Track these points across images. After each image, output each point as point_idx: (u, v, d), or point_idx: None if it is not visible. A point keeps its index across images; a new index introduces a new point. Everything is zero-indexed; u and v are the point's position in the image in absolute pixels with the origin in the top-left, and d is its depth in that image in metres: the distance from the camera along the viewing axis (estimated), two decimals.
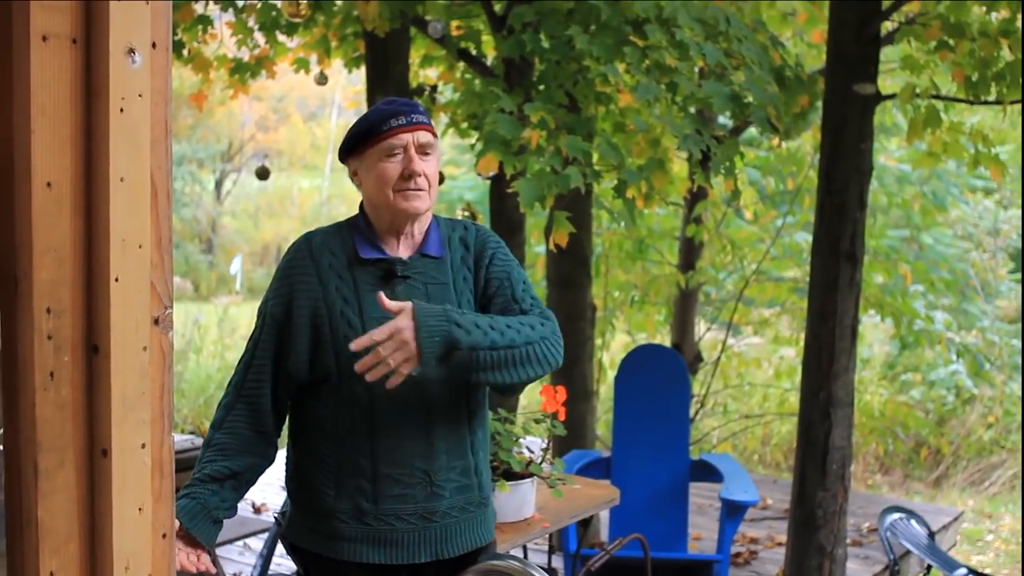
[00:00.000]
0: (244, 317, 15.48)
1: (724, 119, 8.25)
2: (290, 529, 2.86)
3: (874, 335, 13.99)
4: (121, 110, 1.72)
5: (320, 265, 2.74)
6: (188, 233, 23.42)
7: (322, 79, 7.09)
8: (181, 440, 6.54)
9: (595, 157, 5.17)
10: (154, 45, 1.79)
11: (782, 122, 5.47)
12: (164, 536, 1.87)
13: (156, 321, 1.82)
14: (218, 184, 25.51)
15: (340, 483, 2.73)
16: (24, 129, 1.65)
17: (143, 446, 1.80)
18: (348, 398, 2.70)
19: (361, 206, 2.86)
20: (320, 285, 2.72)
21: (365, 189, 2.79)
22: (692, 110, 5.42)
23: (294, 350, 2.72)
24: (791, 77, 5.75)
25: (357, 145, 2.76)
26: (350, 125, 2.84)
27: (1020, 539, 9.12)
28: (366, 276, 2.75)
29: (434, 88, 6.83)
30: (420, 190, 2.74)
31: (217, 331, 14.00)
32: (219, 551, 5.48)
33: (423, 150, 2.75)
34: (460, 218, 6.20)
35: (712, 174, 5.25)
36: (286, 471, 2.90)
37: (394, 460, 2.72)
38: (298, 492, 2.82)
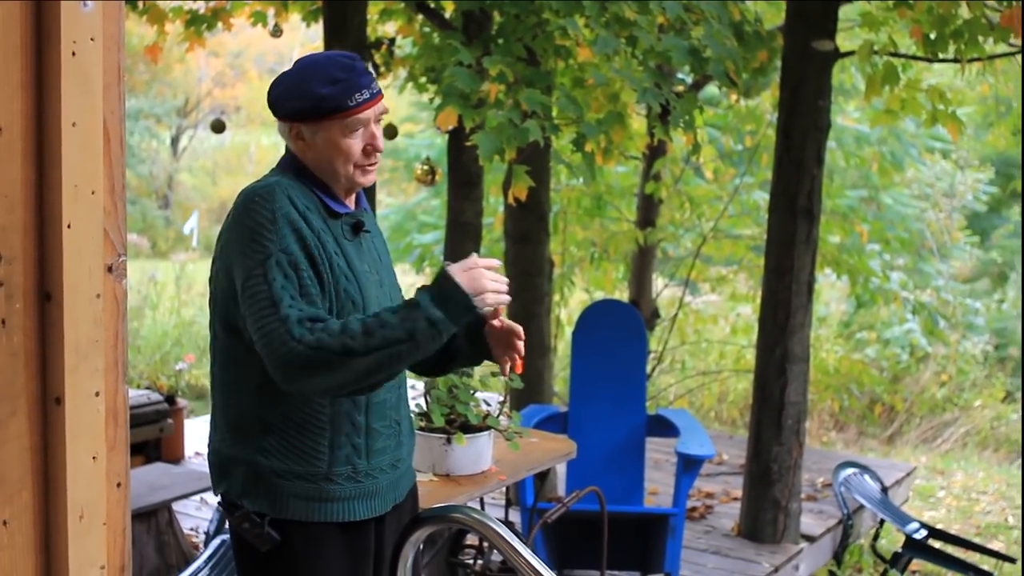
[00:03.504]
0: (201, 274, 15.36)
1: (683, 75, 8.25)
2: (264, 504, 2.64)
3: (830, 294, 14.11)
4: (73, 54, 1.69)
5: (306, 217, 2.60)
6: (145, 189, 23.23)
7: (276, 31, 7.01)
8: (137, 395, 6.51)
9: (554, 111, 5.16)
10: None
11: (740, 77, 5.47)
12: (119, 485, 1.86)
13: (109, 269, 1.80)
14: (175, 140, 25.28)
15: (334, 444, 2.64)
16: None
17: (97, 394, 1.78)
18: None
19: (295, 159, 2.72)
20: (312, 234, 2.58)
21: (314, 154, 2.67)
22: (651, 65, 5.41)
23: (325, 290, 2.57)
24: (750, 32, 5.75)
25: (314, 115, 2.62)
26: (277, 80, 2.69)
27: (971, 496, 9.26)
28: (338, 229, 2.68)
29: (392, 42, 6.78)
30: (376, 164, 2.71)
31: (174, 288, 13.92)
32: (176, 506, 5.46)
33: (379, 119, 2.69)
34: (418, 172, 6.16)
35: (671, 128, 5.25)
36: (245, 446, 2.66)
37: (380, 413, 2.72)
38: (280, 462, 2.62)
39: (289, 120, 2.67)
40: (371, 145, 2.66)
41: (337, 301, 2.60)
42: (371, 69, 2.71)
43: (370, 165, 2.69)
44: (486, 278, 2.50)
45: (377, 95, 2.66)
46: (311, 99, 2.60)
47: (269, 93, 2.71)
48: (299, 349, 2.42)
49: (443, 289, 2.47)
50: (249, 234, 2.56)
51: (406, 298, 2.64)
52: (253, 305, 2.51)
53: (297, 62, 2.72)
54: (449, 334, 2.50)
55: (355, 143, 2.64)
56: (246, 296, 2.53)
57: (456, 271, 2.49)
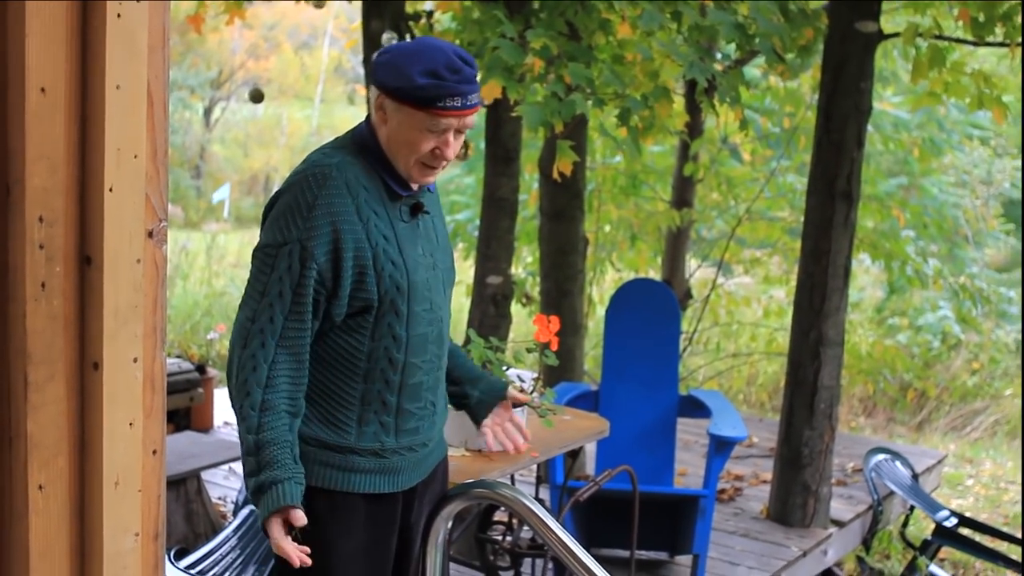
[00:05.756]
0: (232, 245, 15.42)
1: (726, 51, 8.17)
2: None
3: (865, 279, 14.00)
4: (118, 15, 1.67)
5: (358, 200, 2.58)
6: (177, 159, 23.28)
7: (319, 2, 6.99)
8: (168, 363, 6.51)
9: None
10: None
11: (787, 54, 5.41)
12: (154, 452, 1.84)
13: (150, 234, 1.78)
14: (207, 111, 25.32)
15: (363, 420, 2.68)
16: (18, 32, 1.60)
17: (135, 360, 1.77)
18: (387, 336, 2.65)
19: (370, 130, 2.71)
20: (360, 222, 2.57)
21: (387, 131, 2.65)
22: (695, 41, 5.36)
23: (339, 294, 2.58)
24: (795, 11, 5.69)
25: (402, 97, 2.58)
26: (393, 47, 2.65)
27: (1000, 485, 9.19)
28: (396, 211, 2.67)
29: (430, 15, 6.73)
30: (437, 169, 2.69)
31: (205, 258, 13.94)
32: (205, 475, 5.47)
33: (462, 130, 2.65)
34: None
35: (718, 102, 5.20)
36: None
37: (415, 395, 2.74)
38: (309, 429, 2.67)
39: (379, 89, 2.64)
40: (440, 150, 2.63)
41: (380, 287, 2.61)
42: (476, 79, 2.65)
43: (430, 167, 2.66)
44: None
45: (470, 107, 2.61)
46: (405, 81, 2.57)
47: (376, 56, 2.68)
48: (232, 355, 2.61)
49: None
50: (284, 209, 2.59)
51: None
52: (250, 277, 2.63)
53: (420, 39, 2.69)
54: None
55: (427, 142, 2.61)
56: (252, 262, 2.64)
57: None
